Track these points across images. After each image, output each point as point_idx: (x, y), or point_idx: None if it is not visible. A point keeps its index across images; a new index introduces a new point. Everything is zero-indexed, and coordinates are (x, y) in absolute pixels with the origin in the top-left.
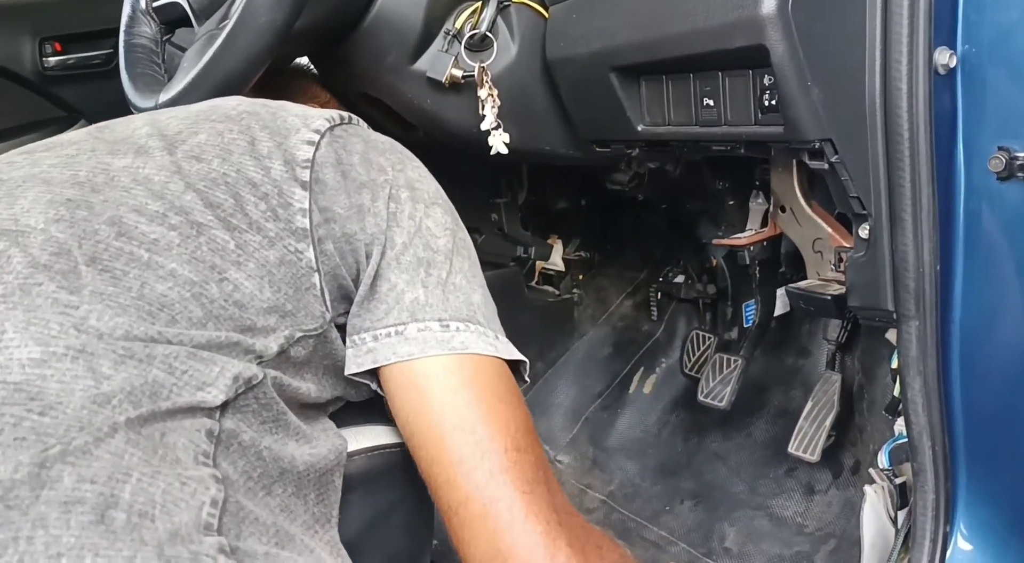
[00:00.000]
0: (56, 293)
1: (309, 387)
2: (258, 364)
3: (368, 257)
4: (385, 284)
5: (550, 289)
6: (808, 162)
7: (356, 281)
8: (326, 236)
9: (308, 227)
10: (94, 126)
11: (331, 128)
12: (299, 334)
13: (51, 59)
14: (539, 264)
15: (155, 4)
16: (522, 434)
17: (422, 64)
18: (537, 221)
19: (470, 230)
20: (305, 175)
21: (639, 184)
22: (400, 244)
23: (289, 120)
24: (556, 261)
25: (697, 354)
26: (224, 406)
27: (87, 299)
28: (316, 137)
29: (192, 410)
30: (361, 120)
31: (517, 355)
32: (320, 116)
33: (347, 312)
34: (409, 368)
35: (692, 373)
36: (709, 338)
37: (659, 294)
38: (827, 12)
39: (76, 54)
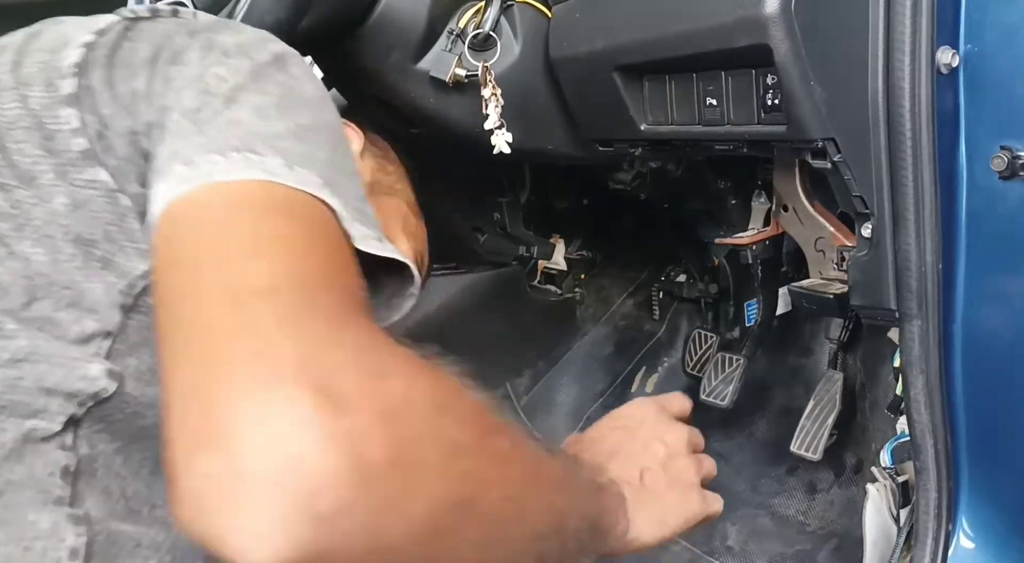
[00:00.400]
0: None
1: None
2: (107, 358)
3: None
4: (154, 163)
5: (552, 288)
6: (811, 161)
7: None
8: (111, 148)
9: (91, 147)
10: None
11: (127, 22)
12: (141, 283)
13: None
14: (541, 263)
15: (159, 5)
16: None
17: (426, 63)
18: (539, 220)
19: (474, 230)
20: (70, 86)
21: (641, 183)
22: (174, 110)
23: (71, 31)
24: (558, 260)
25: (699, 353)
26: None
27: None
28: (93, 38)
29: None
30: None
31: (310, 187)
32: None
33: None
34: (153, 229)
35: (694, 372)
36: (711, 337)
37: (661, 293)
38: (830, 11)
39: None
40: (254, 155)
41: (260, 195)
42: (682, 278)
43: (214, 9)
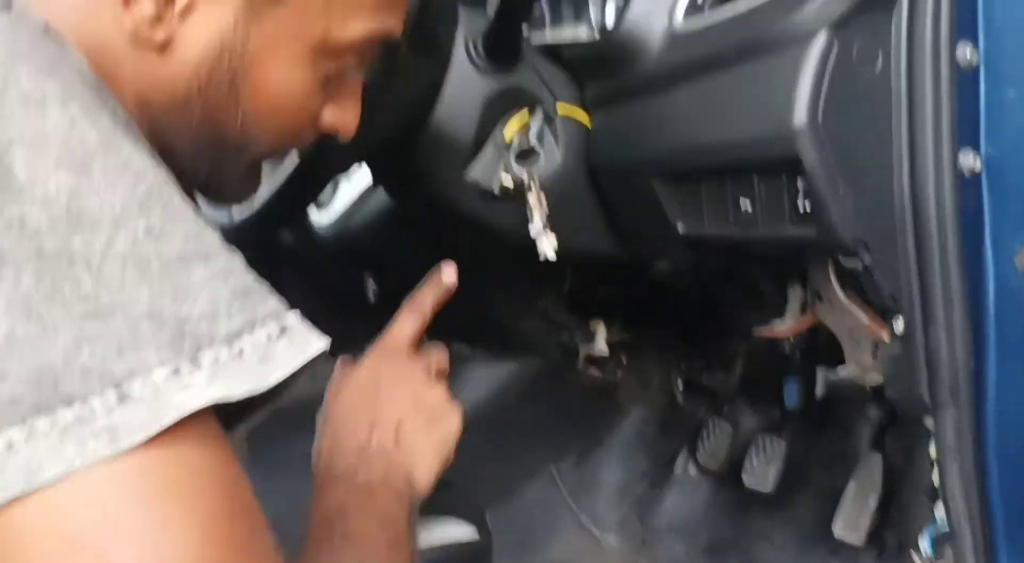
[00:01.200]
0: None
1: None
2: None
3: None
4: None
5: (594, 372)
6: (843, 262)
7: None
8: None
9: None
10: None
11: None
12: None
13: None
14: (583, 348)
15: None
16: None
17: (473, 173)
18: (581, 306)
19: (515, 316)
20: None
21: (680, 274)
22: None
23: None
24: (599, 345)
25: (735, 435)
26: None
27: None
28: None
29: None
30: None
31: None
32: None
33: None
34: None
35: (736, 452)
36: (748, 418)
37: (702, 375)
38: (855, 121)
39: None
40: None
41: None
42: (722, 359)
43: None
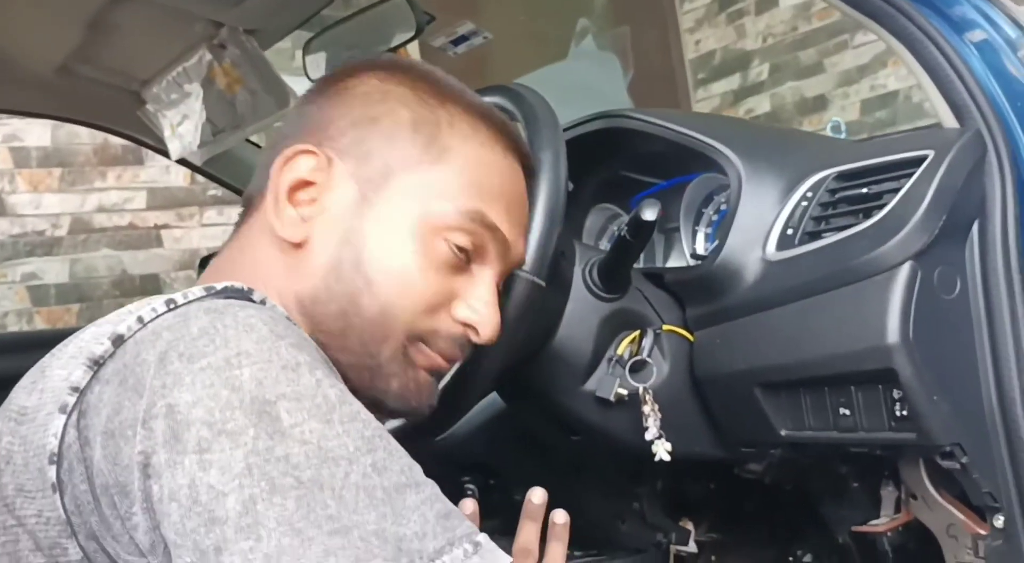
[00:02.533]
0: None
1: None
2: None
3: None
4: None
5: None
6: (941, 462)
7: None
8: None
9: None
10: None
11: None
12: None
13: None
14: (674, 547)
15: None
16: None
17: (591, 385)
18: (670, 505)
19: (615, 518)
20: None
21: (770, 471)
22: None
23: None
24: (690, 544)
25: None
26: None
27: None
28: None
29: None
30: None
31: None
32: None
33: None
34: None
35: None
36: None
37: None
38: (943, 338)
39: None
40: None
41: None
42: (809, 558)
43: None
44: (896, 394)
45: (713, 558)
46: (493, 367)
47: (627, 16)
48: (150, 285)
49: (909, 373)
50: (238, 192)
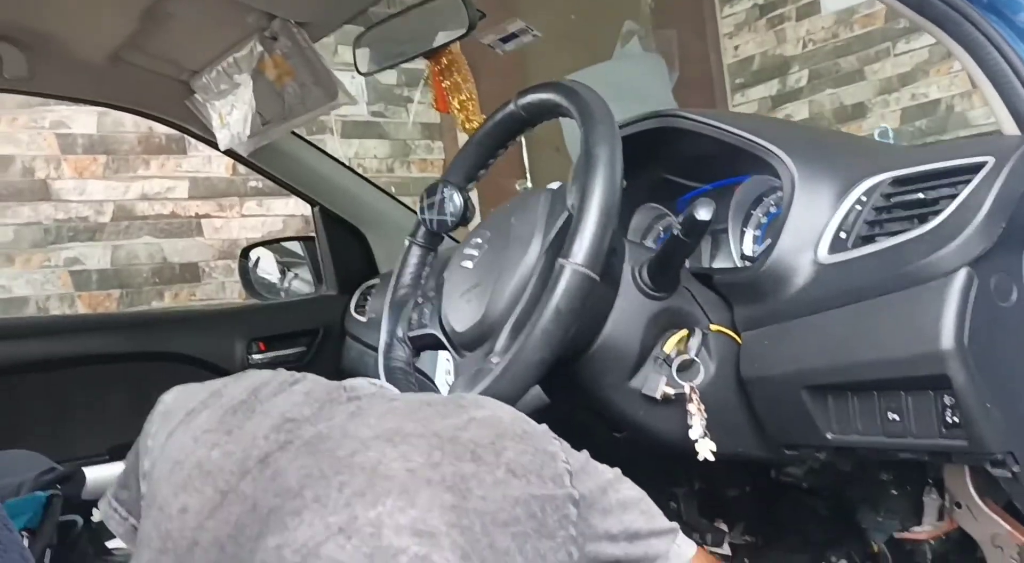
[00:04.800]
0: None
1: None
2: None
3: None
4: None
5: None
6: (992, 470)
7: None
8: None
9: (575, 535)
10: (416, 402)
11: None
12: None
13: (255, 356)
14: (707, 549)
15: (411, 334)
16: None
17: (636, 382)
18: (708, 508)
19: None
20: (575, 495)
21: (809, 475)
22: None
23: (550, 447)
24: (724, 546)
25: None
26: None
27: None
28: (569, 467)
29: None
30: None
31: None
32: (560, 449)
33: None
34: None
35: None
36: None
37: None
38: (998, 345)
39: (275, 351)
40: None
41: None
42: None
43: (472, 345)
44: (948, 401)
45: (746, 561)
46: (544, 357)
47: (669, 19)
48: (189, 273)
49: (963, 379)
50: (280, 183)
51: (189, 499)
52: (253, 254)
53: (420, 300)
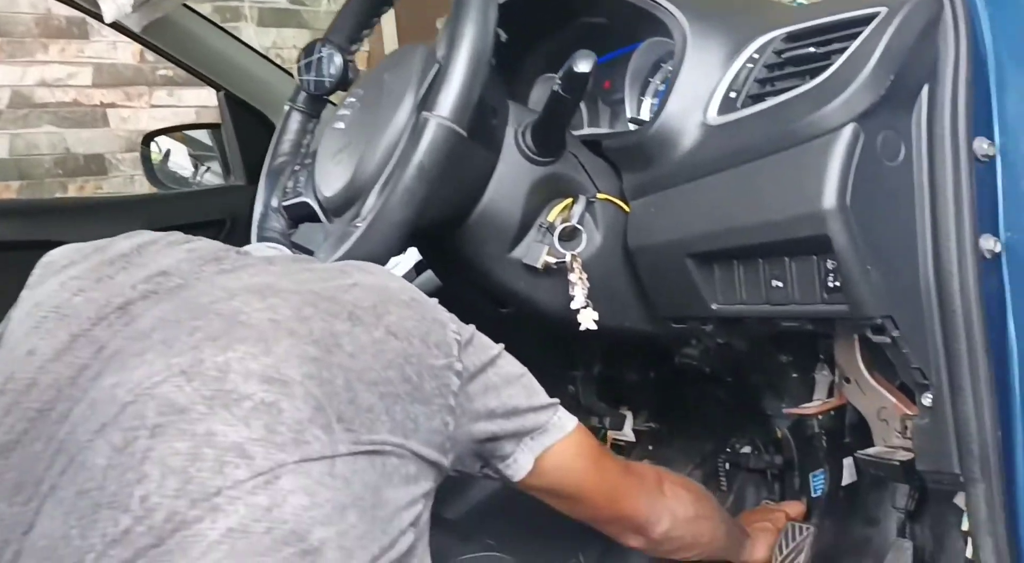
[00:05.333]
0: (321, 449)
1: None
2: None
3: None
4: None
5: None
6: (871, 337)
7: None
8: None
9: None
10: (295, 266)
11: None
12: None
13: None
14: (610, 435)
15: (285, 203)
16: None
17: (519, 252)
18: (609, 393)
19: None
20: (459, 366)
21: (707, 357)
22: None
23: (441, 316)
24: (627, 432)
25: None
26: None
27: (341, 456)
28: (459, 337)
29: None
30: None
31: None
32: (450, 319)
33: None
34: None
35: None
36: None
37: (727, 464)
38: (881, 206)
39: None
40: None
41: None
42: (747, 449)
43: (341, 210)
44: (830, 265)
45: (650, 447)
46: (407, 217)
47: None
48: (95, 165)
49: (843, 241)
50: (182, 66)
51: (40, 342)
52: (161, 144)
53: (297, 167)
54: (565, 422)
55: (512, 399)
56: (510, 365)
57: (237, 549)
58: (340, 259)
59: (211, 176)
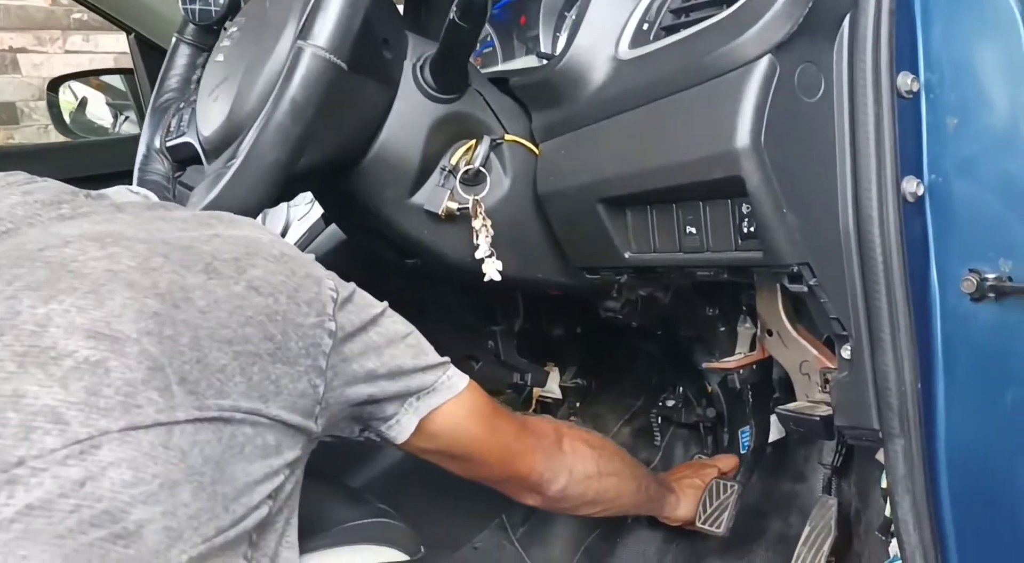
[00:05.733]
0: (156, 415)
1: None
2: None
3: None
4: None
5: (547, 417)
6: (788, 285)
7: None
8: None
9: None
10: (149, 214)
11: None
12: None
13: None
14: (536, 391)
15: (169, 143)
16: None
17: (419, 198)
18: (534, 348)
19: (467, 358)
20: (332, 326)
21: (632, 311)
22: None
23: (315, 272)
24: (553, 389)
25: None
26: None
27: (180, 424)
28: (335, 295)
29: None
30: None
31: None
32: (327, 276)
33: None
34: None
35: None
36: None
37: (659, 419)
38: (799, 144)
39: None
40: None
41: None
42: (678, 404)
43: (220, 150)
44: (744, 209)
45: (578, 404)
46: (280, 157)
47: None
48: (5, 114)
49: (757, 182)
50: (90, 7)
51: None
52: (76, 92)
53: (183, 105)
54: (456, 381)
55: (396, 359)
56: (395, 324)
57: (32, 529)
58: (210, 206)
59: (131, 126)
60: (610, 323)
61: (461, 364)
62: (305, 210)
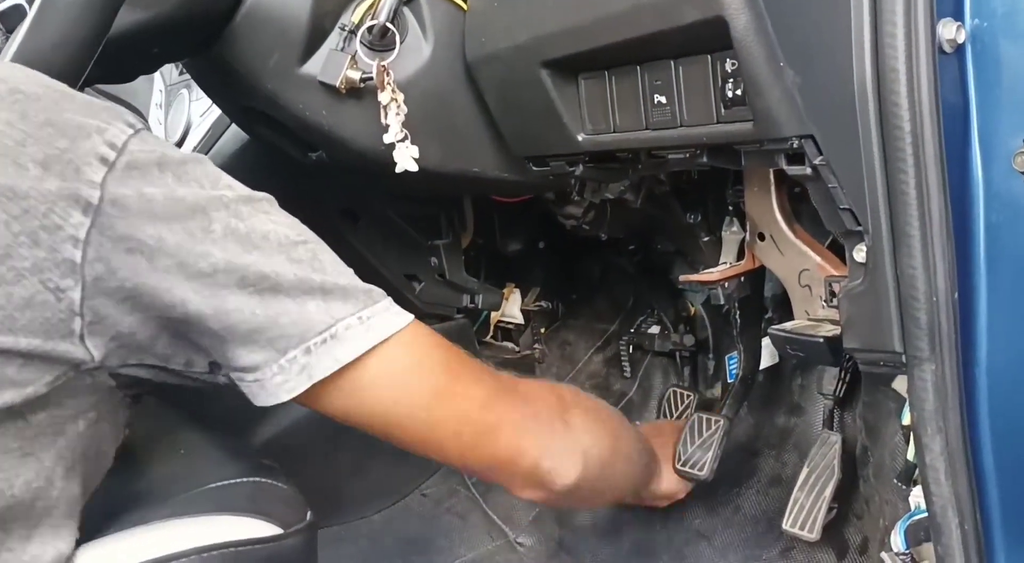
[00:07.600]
0: None
1: None
2: None
3: None
4: None
5: (508, 345)
6: (786, 168)
7: None
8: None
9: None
10: None
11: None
12: None
13: None
14: (495, 316)
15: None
16: None
17: (312, 66)
18: (489, 267)
19: (408, 278)
20: (91, 195)
21: (598, 219)
22: None
23: (80, 118)
24: (514, 312)
25: (676, 414)
26: None
27: None
28: (110, 153)
29: None
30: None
31: None
32: (115, 119)
33: None
34: None
35: None
36: (688, 396)
37: (631, 347)
38: None
39: None
40: None
41: None
42: (655, 329)
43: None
44: (729, 66)
45: (543, 330)
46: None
47: None
48: None
49: (744, 24)
50: None
51: None
52: None
53: None
54: (389, 319)
55: (257, 265)
56: (272, 222)
57: None
58: (12, 58)
59: None
60: (576, 236)
61: (399, 285)
62: (208, 104)
